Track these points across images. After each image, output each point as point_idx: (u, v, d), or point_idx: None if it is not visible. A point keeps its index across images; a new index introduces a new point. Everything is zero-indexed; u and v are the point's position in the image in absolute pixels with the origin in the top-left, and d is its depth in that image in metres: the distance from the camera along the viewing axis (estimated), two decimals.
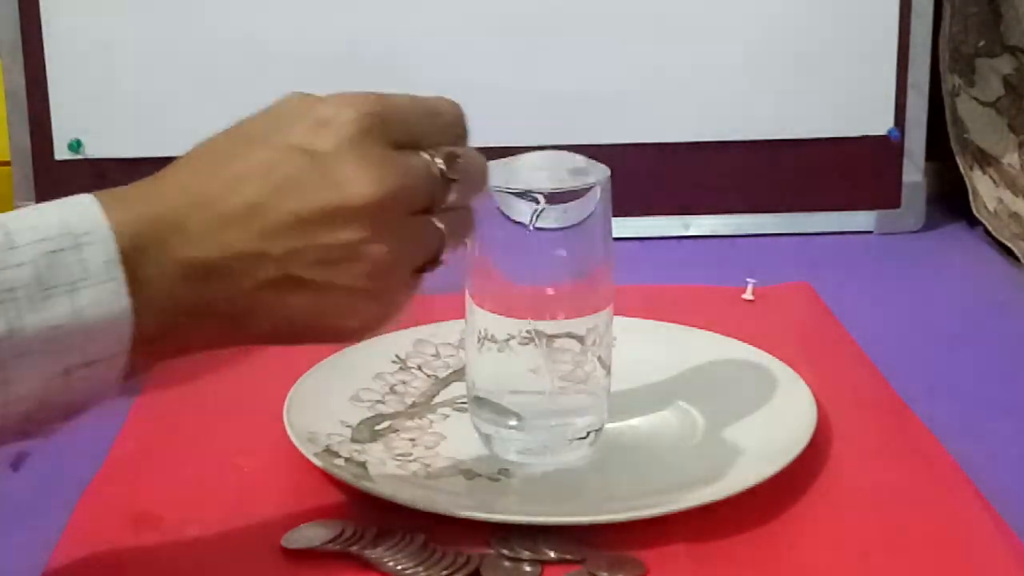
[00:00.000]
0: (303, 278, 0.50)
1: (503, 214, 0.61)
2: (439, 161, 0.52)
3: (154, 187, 0.51)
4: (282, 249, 0.49)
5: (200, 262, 0.49)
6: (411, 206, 0.52)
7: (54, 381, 0.47)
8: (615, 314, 0.65)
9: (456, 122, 0.55)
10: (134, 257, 0.48)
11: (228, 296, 0.50)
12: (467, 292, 0.65)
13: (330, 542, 0.57)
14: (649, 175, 1.06)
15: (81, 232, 0.47)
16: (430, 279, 0.55)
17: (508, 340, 0.63)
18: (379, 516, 0.59)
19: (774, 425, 0.67)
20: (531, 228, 0.61)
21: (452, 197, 0.53)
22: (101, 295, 0.47)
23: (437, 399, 0.72)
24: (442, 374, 0.75)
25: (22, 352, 0.46)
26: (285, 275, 0.50)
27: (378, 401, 0.71)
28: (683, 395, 0.72)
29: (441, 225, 0.53)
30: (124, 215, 0.48)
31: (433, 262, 0.54)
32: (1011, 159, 1.10)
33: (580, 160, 0.64)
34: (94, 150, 1.03)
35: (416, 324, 0.80)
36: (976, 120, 1.11)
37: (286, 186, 0.49)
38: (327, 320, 0.52)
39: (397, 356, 0.76)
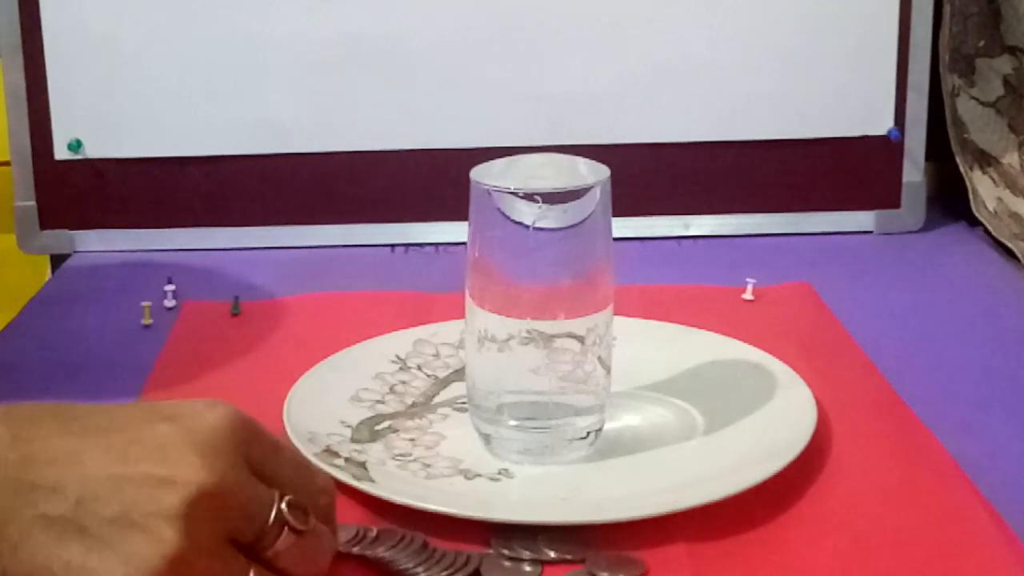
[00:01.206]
0: (87, 528, 0.46)
1: (503, 214, 0.61)
2: (284, 505, 0.49)
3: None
4: (81, 492, 0.46)
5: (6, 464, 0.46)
6: (231, 523, 0.48)
7: None
8: (615, 314, 0.65)
9: (324, 493, 0.53)
10: None
11: (2, 517, 0.46)
12: (467, 292, 0.65)
13: (343, 543, 0.57)
14: (649, 175, 1.06)
15: None
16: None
17: (508, 340, 0.63)
18: (379, 516, 0.59)
19: (774, 425, 0.67)
20: (531, 228, 0.61)
21: (281, 550, 0.49)
22: None
23: (437, 399, 0.72)
24: (442, 374, 0.75)
25: None
26: (70, 517, 0.46)
27: (378, 401, 0.71)
28: (683, 395, 0.72)
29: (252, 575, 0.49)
30: None
31: None
32: (1011, 159, 1.10)
33: (580, 160, 0.64)
34: (94, 150, 1.03)
35: (416, 324, 0.80)
36: (976, 120, 1.11)
37: (123, 436, 0.48)
38: None
39: (397, 356, 0.76)
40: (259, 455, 0.50)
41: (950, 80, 1.10)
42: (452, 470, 0.64)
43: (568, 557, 0.57)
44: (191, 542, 0.46)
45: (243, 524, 0.49)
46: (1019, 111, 1.11)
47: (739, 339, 0.77)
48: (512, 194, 0.61)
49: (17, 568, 0.46)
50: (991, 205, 1.07)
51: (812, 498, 0.62)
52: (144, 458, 0.47)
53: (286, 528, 0.49)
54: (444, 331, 0.78)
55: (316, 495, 0.52)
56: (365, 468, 0.63)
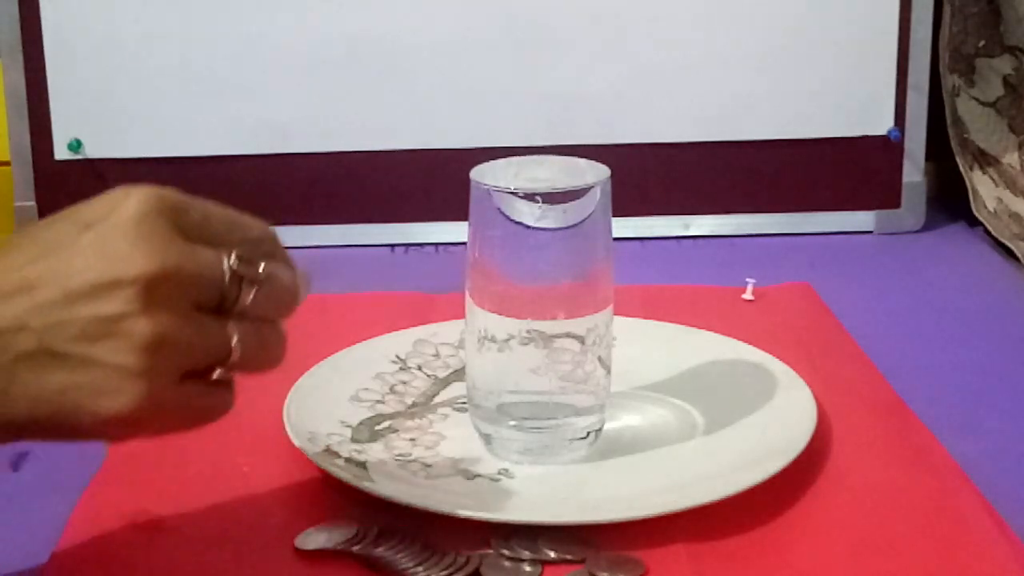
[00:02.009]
0: (62, 352, 0.47)
1: (503, 214, 0.61)
2: (232, 259, 0.50)
3: None
4: (42, 322, 0.47)
5: None
6: (191, 295, 0.49)
7: None
8: (615, 314, 0.65)
9: (264, 238, 0.53)
10: None
11: None
12: (467, 292, 0.65)
13: (344, 543, 0.57)
14: (649, 175, 1.06)
15: None
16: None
17: (508, 340, 0.63)
18: (379, 516, 0.59)
19: (774, 425, 0.67)
20: (531, 228, 0.61)
21: (248, 302, 0.50)
22: None
23: (437, 399, 0.72)
24: (442, 374, 0.75)
25: None
26: (43, 348, 0.47)
27: (378, 401, 0.71)
28: (683, 395, 0.72)
29: (233, 332, 0.50)
30: None
31: (220, 367, 0.50)
32: (1011, 159, 1.10)
33: (580, 161, 0.64)
34: (94, 150, 1.03)
35: (416, 324, 0.80)
36: (976, 120, 1.11)
37: (59, 260, 0.48)
38: (85, 400, 0.48)
39: (397, 356, 0.76)
40: (190, 223, 0.50)
41: (950, 80, 1.10)
42: (452, 470, 0.64)
43: (568, 557, 0.57)
44: (161, 326, 0.47)
45: (202, 291, 0.49)
46: (1019, 111, 1.11)
47: (739, 339, 0.77)
48: (512, 194, 0.61)
49: (17, 409, 0.48)
50: (991, 205, 1.07)
51: (812, 498, 0.62)
52: (86, 268, 0.47)
53: (243, 281, 0.50)
54: (444, 331, 0.78)
55: (258, 243, 0.52)
56: (365, 468, 0.63)
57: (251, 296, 0.50)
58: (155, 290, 0.47)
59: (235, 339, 0.50)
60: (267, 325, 0.52)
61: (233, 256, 0.50)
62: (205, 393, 0.51)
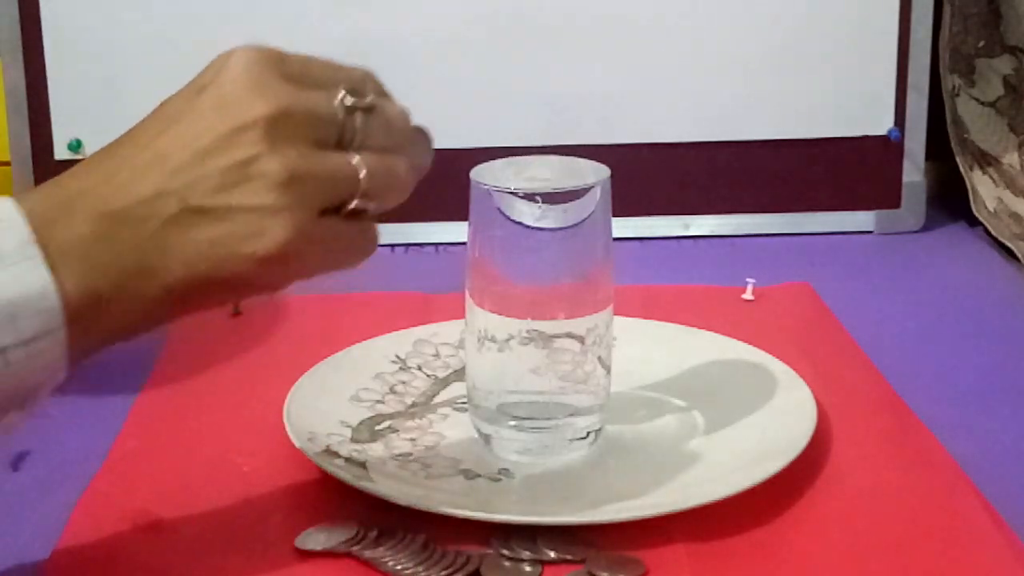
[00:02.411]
0: (204, 207, 0.50)
1: (503, 214, 0.61)
2: (341, 94, 0.52)
3: (69, 171, 0.52)
4: (180, 184, 0.50)
5: (106, 216, 0.49)
6: (310, 133, 0.51)
7: None
8: (615, 314, 0.65)
9: (367, 79, 0.54)
10: (46, 234, 0.48)
11: (136, 243, 0.49)
12: (467, 292, 0.65)
13: (344, 543, 0.57)
14: (649, 175, 1.06)
15: None
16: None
17: (508, 340, 0.63)
18: (379, 516, 0.59)
19: (774, 425, 0.67)
20: (531, 228, 0.61)
21: (366, 133, 0.53)
22: (18, 274, 0.47)
23: (437, 399, 0.72)
24: (442, 374, 0.75)
25: None
26: (186, 208, 0.50)
27: (378, 401, 0.71)
28: (683, 395, 0.72)
29: (357, 163, 0.52)
30: (33, 200, 0.50)
31: (351, 200, 0.52)
32: (1011, 159, 1.10)
33: (580, 160, 0.64)
34: (94, 150, 1.02)
35: (416, 324, 0.80)
36: (976, 120, 1.11)
37: (183, 126, 0.51)
38: (237, 246, 0.50)
39: (397, 356, 0.76)
40: (293, 71, 0.52)
41: (950, 80, 1.10)
42: (452, 470, 0.64)
43: (568, 557, 0.57)
44: (289, 160, 0.50)
45: (319, 128, 0.52)
46: (1019, 111, 1.11)
47: (739, 339, 0.77)
48: (512, 194, 0.61)
49: (175, 273, 0.50)
50: (991, 205, 1.07)
51: (812, 498, 0.62)
52: (210, 127, 0.50)
53: (358, 112, 0.52)
54: (444, 331, 0.78)
55: (361, 81, 0.54)
56: (365, 468, 0.63)
57: (366, 124, 0.53)
58: (276, 129, 0.50)
59: (362, 169, 0.52)
60: (389, 156, 0.54)
61: (342, 92, 0.52)
62: (348, 228, 0.53)
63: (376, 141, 0.53)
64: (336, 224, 0.53)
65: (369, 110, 0.53)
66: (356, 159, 0.52)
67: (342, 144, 0.52)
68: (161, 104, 0.53)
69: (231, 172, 0.50)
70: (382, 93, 0.55)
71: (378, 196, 0.53)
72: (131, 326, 0.51)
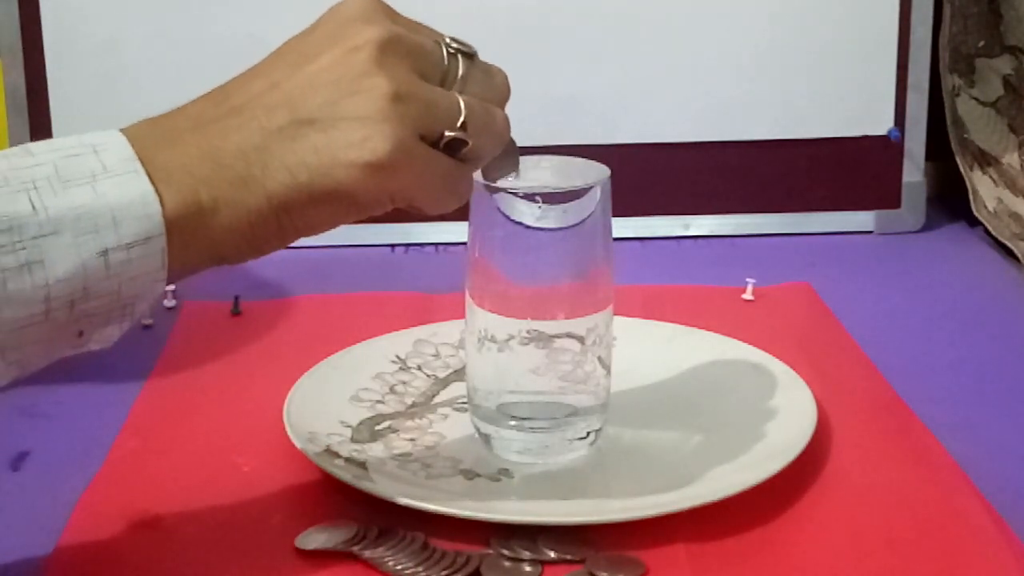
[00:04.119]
0: (312, 118, 0.52)
1: (503, 214, 0.61)
2: (447, 38, 0.56)
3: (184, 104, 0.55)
4: (290, 97, 0.52)
5: (213, 132, 0.52)
6: (416, 63, 0.54)
7: (93, 264, 0.48)
8: (615, 314, 0.65)
9: (466, 43, 0.57)
10: (150, 153, 0.51)
11: (241, 153, 0.51)
12: (467, 292, 0.65)
13: (344, 543, 0.57)
14: (649, 175, 1.06)
15: (97, 142, 0.51)
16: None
17: (508, 340, 0.63)
18: (379, 516, 0.59)
19: (774, 425, 0.67)
20: (531, 228, 0.61)
21: (467, 81, 0.56)
22: (121, 183, 0.49)
23: (437, 399, 0.72)
24: (442, 374, 0.75)
25: (51, 231, 0.48)
26: (294, 119, 0.52)
27: (378, 401, 0.71)
28: (683, 395, 0.72)
29: (460, 99, 0.55)
30: (139, 126, 0.53)
31: (453, 131, 0.54)
32: (1011, 159, 1.10)
33: (580, 160, 0.64)
34: None
35: (416, 324, 0.80)
36: (976, 120, 1.11)
37: (295, 52, 0.54)
38: (340, 153, 0.52)
39: (397, 356, 0.76)
40: (401, 18, 0.56)
41: (950, 80, 1.10)
42: (452, 470, 0.64)
43: (568, 557, 0.57)
44: (396, 80, 0.52)
45: (425, 62, 0.54)
46: (1019, 111, 1.11)
47: (739, 339, 0.77)
48: (512, 194, 0.61)
49: (277, 179, 0.51)
50: (991, 205, 1.07)
51: (812, 498, 0.62)
52: (322, 50, 0.53)
53: (460, 57, 0.56)
54: (444, 331, 0.78)
55: (464, 43, 0.57)
56: (365, 468, 0.63)
57: (467, 70, 0.56)
58: (386, 53, 0.52)
59: (463, 105, 0.54)
60: (486, 97, 0.57)
61: (447, 37, 0.56)
62: (446, 161, 0.55)
63: (476, 88, 0.56)
64: (434, 153, 0.54)
65: (471, 57, 0.56)
66: (458, 97, 0.55)
67: (445, 85, 0.55)
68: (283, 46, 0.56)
69: (340, 86, 0.52)
70: (474, 52, 0.58)
71: (476, 135, 0.55)
72: (232, 242, 0.52)
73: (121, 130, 0.52)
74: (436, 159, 0.54)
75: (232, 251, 0.53)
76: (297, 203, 0.52)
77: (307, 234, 0.54)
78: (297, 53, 0.54)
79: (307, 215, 0.53)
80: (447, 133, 0.54)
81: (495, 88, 0.58)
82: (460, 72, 0.56)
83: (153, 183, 0.50)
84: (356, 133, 0.51)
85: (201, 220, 0.51)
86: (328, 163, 0.52)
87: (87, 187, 0.49)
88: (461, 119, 0.54)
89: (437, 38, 0.56)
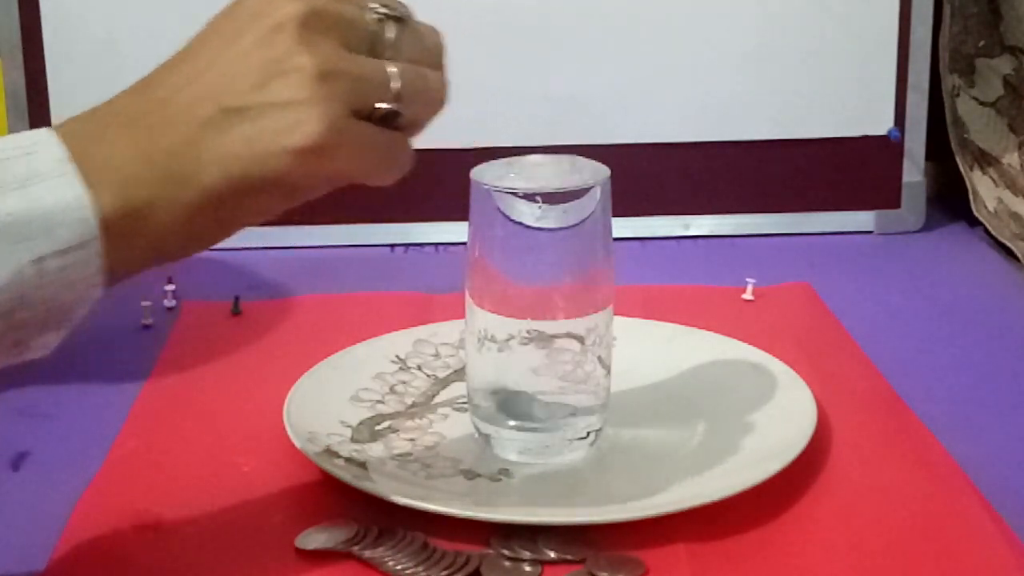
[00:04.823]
0: (240, 106, 0.50)
1: (503, 214, 0.61)
2: (374, 4, 0.53)
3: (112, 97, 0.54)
4: (215, 85, 0.51)
5: (143, 128, 0.50)
6: (342, 35, 0.52)
7: (27, 271, 0.47)
8: (615, 314, 0.65)
9: (400, 4, 0.55)
10: (83, 153, 0.49)
11: (172, 150, 0.50)
12: (467, 292, 0.65)
13: (344, 543, 0.57)
14: (649, 175, 1.06)
15: (28, 144, 0.49)
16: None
17: (508, 340, 0.63)
18: (379, 516, 0.59)
19: (774, 425, 0.67)
20: (531, 228, 0.61)
21: (398, 48, 0.53)
22: (53, 187, 0.48)
23: (437, 399, 0.72)
24: (442, 374, 0.75)
25: None
26: (222, 109, 0.50)
27: (378, 401, 0.71)
28: (683, 395, 0.72)
29: (390, 69, 0.53)
30: (70, 124, 0.51)
31: (386, 103, 0.53)
32: (1011, 159, 1.10)
33: (580, 160, 0.64)
34: None
35: (416, 324, 0.80)
36: (976, 120, 1.11)
37: (218, 34, 0.52)
38: (272, 142, 0.50)
39: (397, 356, 0.76)
40: None
41: (950, 80, 1.10)
42: (452, 470, 0.64)
43: (568, 557, 0.57)
44: (321, 56, 0.50)
45: (352, 31, 0.52)
46: (1019, 111, 1.11)
47: (739, 339, 0.77)
48: (512, 194, 0.61)
49: (211, 174, 0.50)
50: (991, 205, 1.07)
51: (812, 498, 0.62)
52: (244, 29, 0.51)
53: (390, 22, 0.53)
54: (444, 331, 0.78)
55: (392, 6, 0.55)
56: (365, 468, 0.63)
57: (397, 33, 0.54)
58: (308, 28, 0.51)
59: (394, 74, 0.53)
60: (423, 67, 0.54)
61: (374, 1, 0.53)
62: (381, 134, 0.53)
63: (409, 53, 0.54)
64: (370, 128, 0.53)
65: (400, 21, 0.54)
66: (389, 65, 0.53)
67: (375, 53, 0.53)
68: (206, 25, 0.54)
69: (265, 69, 0.50)
70: (408, 10, 0.56)
71: (411, 104, 0.53)
72: (171, 240, 0.51)
73: (55, 127, 0.51)
74: (372, 134, 0.53)
75: (173, 248, 0.52)
76: (233, 196, 0.51)
77: (250, 223, 0.53)
78: (219, 35, 0.52)
79: (245, 206, 0.52)
80: (380, 106, 0.53)
81: (429, 50, 0.56)
82: (390, 38, 0.54)
83: (87, 185, 0.48)
84: (286, 119, 0.50)
85: (137, 221, 0.50)
86: (260, 153, 0.50)
87: (19, 192, 0.47)
88: (394, 90, 0.53)
89: (363, 3, 0.54)
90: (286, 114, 0.50)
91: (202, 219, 0.51)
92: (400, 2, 0.55)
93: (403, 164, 0.55)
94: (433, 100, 0.55)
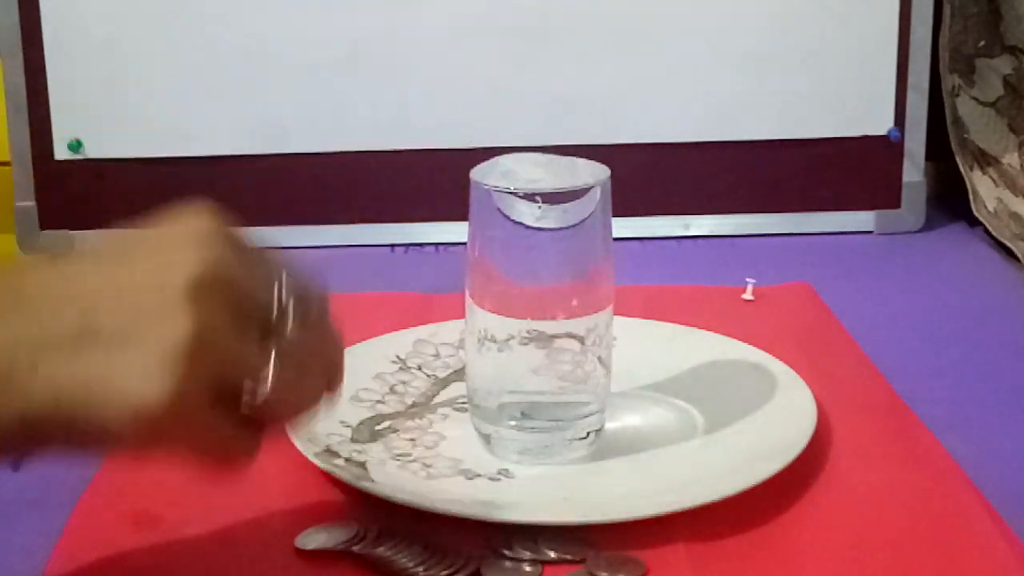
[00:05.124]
0: (102, 330, 0.45)
1: (503, 214, 0.61)
2: (285, 279, 0.49)
3: None
4: (89, 303, 0.46)
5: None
6: (239, 306, 0.48)
7: None
8: (615, 314, 0.65)
9: (316, 289, 0.52)
10: None
11: (14, 342, 0.45)
12: (467, 292, 0.65)
13: (344, 543, 0.57)
14: (649, 175, 1.06)
15: None
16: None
17: (508, 340, 0.63)
18: (379, 516, 0.59)
19: (774, 425, 0.67)
20: (531, 228, 0.61)
21: (292, 330, 0.49)
22: None
23: (437, 399, 0.72)
24: (442, 374, 0.75)
25: None
26: (84, 327, 0.45)
27: (378, 401, 0.71)
28: (683, 395, 0.72)
29: (269, 368, 0.48)
30: None
31: (250, 391, 0.48)
32: (1011, 159, 1.10)
33: (580, 160, 0.64)
34: (94, 150, 1.03)
35: (416, 324, 0.80)
36: (976, 120, 1.11)
37: (113, 255, 0.48)
38: (115, 385, 0.45)
39: (397, 356, 0.76)
40: (250, 247, 0.50)
41: (950, 80, 1.10)
42: (452, 470, 0.64)
43: (568, 557, 0.57)
44: (205, 319, 0.46)
45: (250, 306, 0.48)
46: (1019, 111, 1.11)
47: (739, 339, 0.77)
48: (512, 194, 0.61)
49: (38, 399, 0.45)
50: (991, 205, 1.07)
51: (812, 498, 0.62)
52: (140, 258, 0.47)
53: (290, 306, 0.49)
54: (444, 331, 0.78)
55: (308, 288, 0.51)
56: (365, 468, 0.63)
57: (297, 330, 0.49)
58: (206, 286, 0.46)
59: (273, 358, 0.48)
60: (305, 364, 0.50)
61: (286, 278, 0.49)
62: (231, 427, 0.49)
63: (299, 354, 0.49)
64: (219, 417, 0.48)
65: (309, 311, 0.50)
66: (271, 347, 0.48)
67: (266, 335, 0.49)
68: (116, 235, 0.50)
69: (141, 308, 0.46)
70: (324, 310, 0.51)
71: (275, 404, 0.49)
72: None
73: None
74: (218, 424, 0.48)
75: None
76: (49, 431, 0.45)
77: (54, 454, 0.47)
78: (120, 248, 0.48)
79: (57, 442, 0.47)
80: (243, 396, 0.48)
81: (323, 354, 0.51)
82: (288, 327, 0.49)
83: None
84: (137, 370, 0.45)
85: None
86: (99, 396, 0.45)
87: None
88: (260, 394, 0.48)
89: (275, 280, 0.49)
90: (139, 365, 0.45)
91: (16, 441, 0.46)
92: (315, 296, 0.51)
93: (242, 462, 0.50)
94: (302, 399, 0.51)
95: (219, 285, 0.47)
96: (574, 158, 0.65)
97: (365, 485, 0.60)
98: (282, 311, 0.49)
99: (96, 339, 0.45)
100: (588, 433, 0.66)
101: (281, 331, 0.49)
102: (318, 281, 0.52)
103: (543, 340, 0.63)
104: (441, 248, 1.04)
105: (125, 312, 0.46)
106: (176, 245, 0.47)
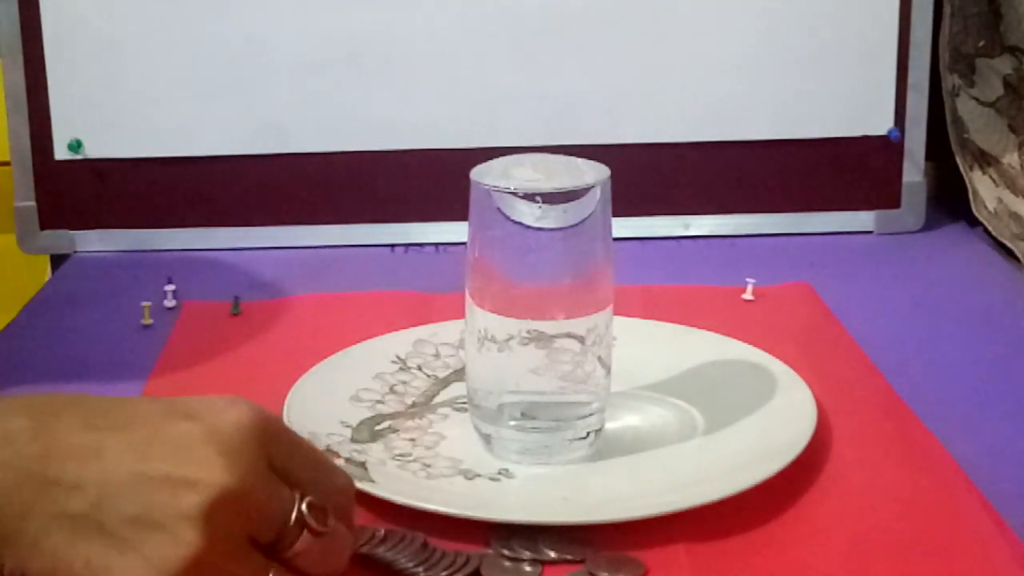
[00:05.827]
0: (107, 528, 0.46)
1: (503, 214, 0.61)
2: (304, 504, 0.49)
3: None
4: (101, 492, 0.46)
5: (17, 456, 0.46)
6: (251, 524, 0.48)
7: None
8: (615, 314, 0.65)
9: (342, 493, 0.53)
10: None
11: (19, 513, 0.46)
12: (467, 292, 0.65)
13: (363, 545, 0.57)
14: (649, 175, 1.06)
15: None
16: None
17: (508, 340, 0.63)
18: (379, 516, 0.59)
19: (774, 425, 0.67)
20: (531, 228, 0.61)
21: (300, 551, 0.49)
22: None
23: (437, 399, 0.72)
24: (442, 374, 0.75)
25: None
26: (92, 516, 0.46)
27: (378, 401, 0.71)
28: (683, 395, 0.72)
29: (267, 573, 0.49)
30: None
31: None
32: (1011, 159, 1.10)
33: (580, 160, 0.64)
34: (94, 150, 1.03)
35: (416, 324, 0.80)
36: (976, 120, 1.11)
37: (140, 437, 0.47)
38: None
39: (397, 356, 0.76)
40: (279, 453, 0.50)
41: (950, 80, 1.10)
42: (452, 470, 0.64)
43: (568, 557, 0.57)
44: (211, 543, 0.46)
45: (263, 525, 0.48)
46: (1019, 111, 1.11)
47: (739, 339, 0.77)
48: (512, 194, 0.61)
49: (37, 564, 0.46)
50: (991, 205, 1.07)
51: (812, 498, 0.62)
52: (165, 457, 0.47)
53: (305, 529, 0.49)
54: (444, 331, 0.78)
55: (334, 494, 0.52)
56: (365, 468, 0.63)
57: (305, 546, 0.49)
58: (221, 505, 0.46)
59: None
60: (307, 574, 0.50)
61: (306, 503, 0.49)
62: None
63: (305, 564, 0.50)
64: None
65: (319, 535, 0.50)
66: (272, 574, 0.49)
67: (273, 547, 0.49)
68: (125, 399, 0.50)
69: (152, 512, 0.46)
70: (346, 515, 0.53)
71: None
72: None
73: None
74: None
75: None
76: None
77: None
78: (147, 434, 0.47)
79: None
80: None
81: (328, 563, 0.51)
82: (297, 545, 0.49)
83: None
84: (131, 571, 0.45)
85: None
86: None
87: None
88: None
89: (297, 495, 0.49)
90: (136, 568, 0.45)
91: None
92: (349, 491, 0.53)
93: None
94: None
95: (235, 508, 0.47)
96: (574, 158, 0.65)
97: (365, 485, 0.60)
98: (296, 526, 0.49)
99: (101, 532, 0.46)
100: (588, 433, 0.66)
101: (286, 547, 0.49)
102: (344, 479, 0.53)
103: (543, 340, 0.63)
104: (441, 248, 1.04)
105: (136, 511, 0.46)
106: (205, 450, 0.47)
